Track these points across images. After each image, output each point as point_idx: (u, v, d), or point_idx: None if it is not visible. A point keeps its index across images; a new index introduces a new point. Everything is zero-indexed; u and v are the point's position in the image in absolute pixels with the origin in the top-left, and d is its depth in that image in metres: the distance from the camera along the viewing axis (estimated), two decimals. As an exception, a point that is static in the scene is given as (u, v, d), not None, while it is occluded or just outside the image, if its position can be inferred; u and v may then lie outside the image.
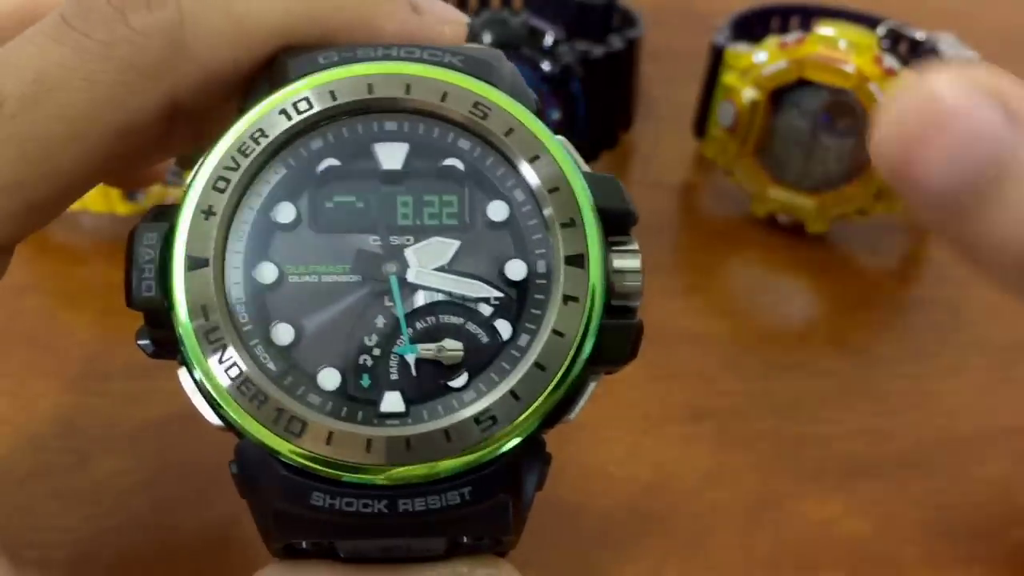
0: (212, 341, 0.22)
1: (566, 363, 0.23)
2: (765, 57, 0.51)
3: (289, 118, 0.23)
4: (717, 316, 0.48)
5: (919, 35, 0.56)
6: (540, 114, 0.24)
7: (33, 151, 0.22)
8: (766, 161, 0.52)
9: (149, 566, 0.34)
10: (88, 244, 0.48)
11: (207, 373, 0.22)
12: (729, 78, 0.52)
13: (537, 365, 0.23)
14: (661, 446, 0.40)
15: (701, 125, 0.56)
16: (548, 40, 0.52)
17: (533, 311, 0.23)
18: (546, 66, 0.50)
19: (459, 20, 0.26)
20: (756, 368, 0.45)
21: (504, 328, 0.23)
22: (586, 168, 0.24)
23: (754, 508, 0.38)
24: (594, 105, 0.52)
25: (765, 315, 0.49)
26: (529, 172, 0.24)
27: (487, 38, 0.50)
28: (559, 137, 0.24)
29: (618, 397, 0.42)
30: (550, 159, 0.24)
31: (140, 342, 0.23)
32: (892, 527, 0.38)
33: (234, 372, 0.22)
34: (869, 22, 0.55)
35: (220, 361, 0.22)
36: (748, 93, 0.51)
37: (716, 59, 0.54)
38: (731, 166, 0.53)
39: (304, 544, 0.24)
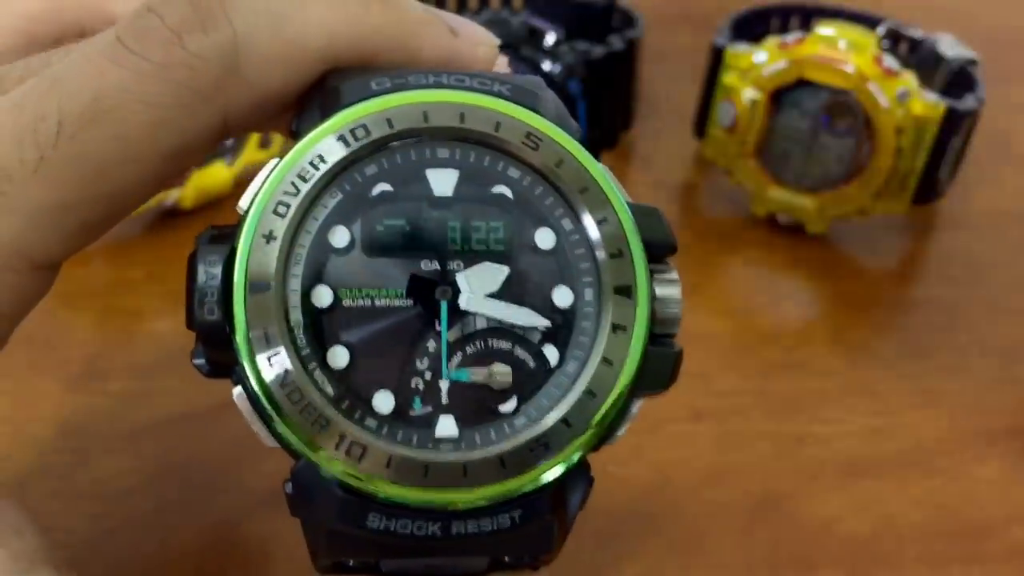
0: (272, 364, 0.22)
1: (615, 391, 0.23)
2: (765, 57, 0.51)
3: (347, 144, 0.23)
4: (717, 316, 0.48)
5: (919, 35, 0.56)
6: (584, 143, 0.25)
7: (90, 171, 0.23)
8: (766, 161, 0.52)
9: (149, 566, 0.34)
10: (88, 244, 0.48)
11: (264, 389, 0.22)
12: (729, 78, 0.52)
13: (588, 392, 0.23)
14: (661, 446, 0.40)
15: (701, 125, 0.56)
16: (548, 40, 0.52)
17: (581, 338, 0.24)
18: (546, 66, 0.50)
19: (492, 43, 0.27)
20: (756, 368, 0.45)
21: (552, 354, 0.24)
22: (629, 198, 0.25)
23: (754, 508, 0.38)
24: (594, 105, 0.52)
25: (765, 315, 0.49)
26: (579, 203, 0.24)
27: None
28: (602, 166, 0.25)
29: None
30: (598, 190, 0.24)
31: (196, 362, 0.23)
32: (892, 527, 0.38)
33: (296, 397, 0.22)
34: (869, 22, 0.55)
35: (282, 385, 0.22)
36: (748, 93, 0.51)
37: (716, 59, 0.54)
38: (731, 166, 0.53)
39: (351, 562, 0.24)
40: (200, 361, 0.23)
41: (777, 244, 0.53)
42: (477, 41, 0.26)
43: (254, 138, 0.50)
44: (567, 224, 0.24)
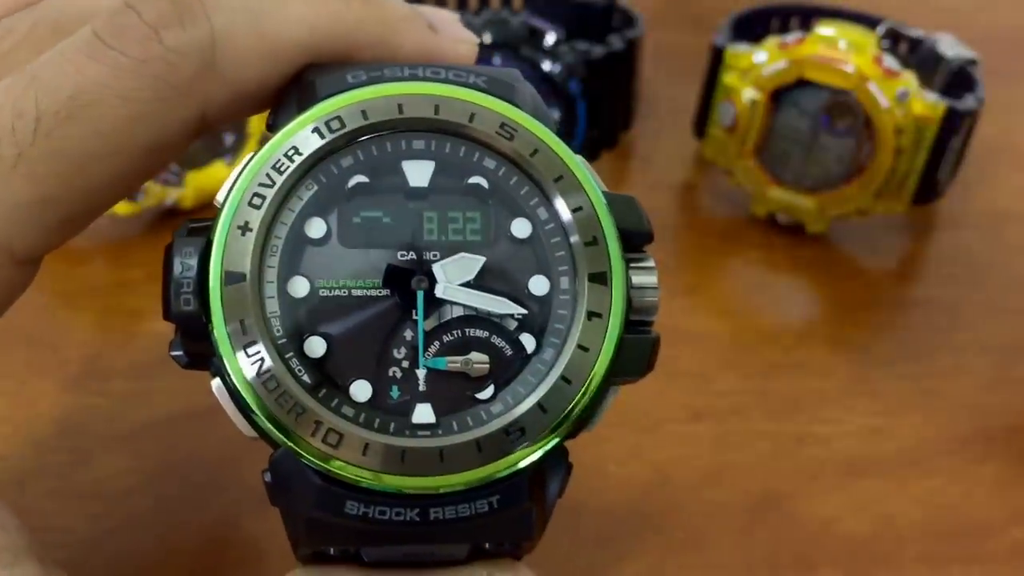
0: (249, 354, 0.22)
1: (590, 377, 0.23)
2: (765, 57, 0.51)
3: (322, 136, 0.23)
4: (717, 316, 0.48)
5: (918, 35, 0.56)
6: (560, 134, 0.25)
7: (68, 167, 0.23)
8: (766, 161, 0.52)
9: (149, 566, 0.34)
10: (88, 244, 0.48)
11: (240, 379, 0.22)
12: (729, 78, 0.52)
13: (563, 379, 0.23)
14: (661, 446, 0.40)
15: (701, 125, 0.56)
16: (548, 40, 0.52)
17: (557, 326, 0.24)
18: (546, 66, 0.50)
19: (472, 40, 0.27)
20: (756, 368, 0.45)
21: (528, 342, 0.24)
22: (604, 187, 0.25)
23: (754, 508, 0.38)
24: (594, 105, 0.52)
25: (765, 315, 0.49)
26: (553, 192, 0.24)
27: (487, 38, 0.50)
28: (579, 157, 0.25)
29: (618, 397, 0.42)
30: (573, 180, 0.24)
31: (174, 353, 0.23)
32: (892, 527, 0.38)
33: (272, 384, 0.22)
34: (869, 22, 0.55)
35: (259, 374, 0.22)
36: (748, 93, 0.51)
37: (716, 59, 0.54)
38: (731, 166, 0.53)
39: (332, 550, 0.24)
40: (178, 353, 0.23)
41: (777, 244, 0.53)
42: (457, 38, 0.27)
43: (254, 138, 0.50)
44: (543, 213, 0.24)
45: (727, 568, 0.36)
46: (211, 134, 0.27)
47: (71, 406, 0.39)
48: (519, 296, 0.24)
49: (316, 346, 0.23)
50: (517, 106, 0.25)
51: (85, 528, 0.34)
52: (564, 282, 0.24)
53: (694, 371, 0.44)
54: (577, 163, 0.25)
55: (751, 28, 0.57)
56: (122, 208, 0.47)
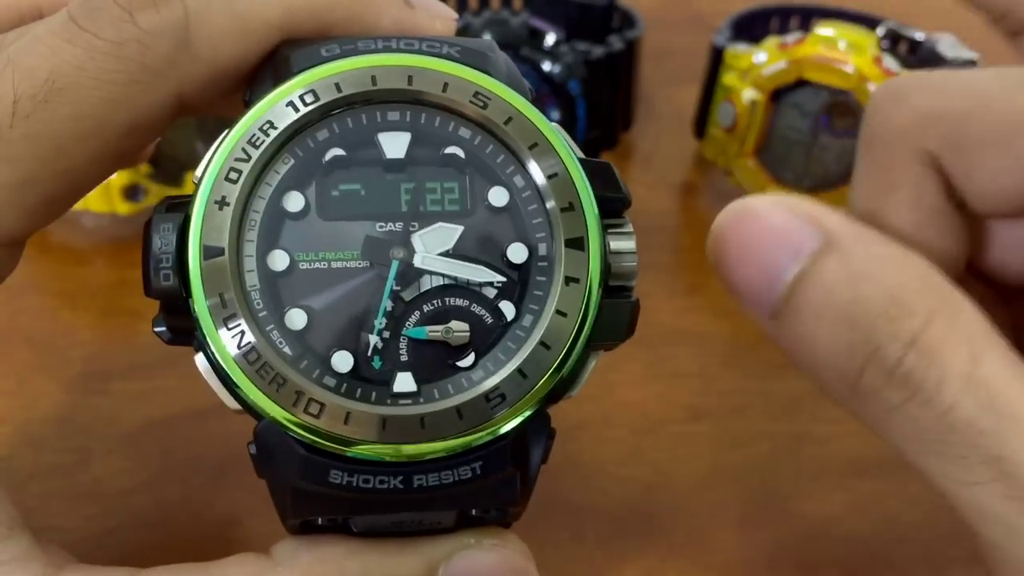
0: (230, 327, 0.23)
1: (569, 341, 0.24)
2: (765, 57, 0.51)
3: (296, 110, 0.24)
4: (717, 316, 0.48)
5: (919, 35, 0.56)
6: (536, 103, 0.25)
7: (47, 149, 0.23)
8: (766, 161, 0.52)
9: (148, 565, 0.34)
10: (88, 244, 0.48)
11: (223, 352, 0.23)
12: (729, 78, 0.52)
13: (542, 344, 0.23)
14: (661, 446, 0.40)
15: (701, 125, 0.56)
16: (548, 40, 0.52)
17: (536, 292, 0.24)
18: (546, 66, 0.50)
19: (449, 16, 0.27)
20: (756, 368, 0.45)
21: (508, 309, 0.24)
22: (581, 155, 0.25)
23: (754, 508, 0.38)
24: (594, 105, 0.52)
25: (765, 315, 0.49)
26: (528, 159, 0.24)
27: (487, 38, 0.50)
28: (555, 124, 0.25)
29: (618, 397, 0.42)
30: (548, 146, 0.24)
31: (157, 329, 0.24)
32: (892, 527, 0.38)
33: (253, 356, 0.23)
34: (869, 22, 0.55)
35: (239, 347, 0.23)
36: (748, 93, 0.51)
37: (716, 59, 0.54)
38: (731, 166, 0.53)
39: (320, 520, 0.25)
40: (161, 328, 0.24)
41: (777, 244, 0.53)
42: (434, 14, 0.27)
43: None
44: (519, 181, 0.25)
45: (727, 568, 0.36)
46: (190, 115, 0.27)
47: (71, 406, 0.39)
48: (498, 264, 0.24)
49: (297, 318, 0.23)
50: (491, 75, 0.25)
51: (85, 528, 0.34)
52: (542, 248, 0.24)
53: (694, 371, 0.44)
54: (552, 129, 0.25)
55: (751, 28, 0.58)
56: (123, 208, 0.47)
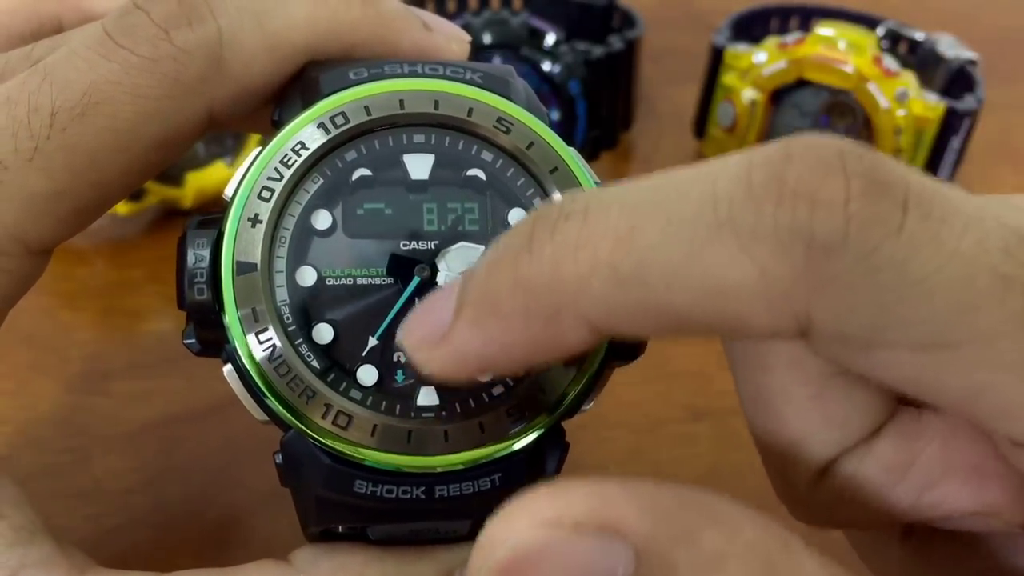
0: (261, 340, 0.23)
1: (589, 359, 0.24)
2: (765, 57, 0.51)
3: (327, 131, 0.24)
4: (717, 316, 0.48)
5: (919, 35, 0.56)
6: (552, 127, 0.26)
7: (81, 161, 0.24)
8: (766, 161, 0.52)
9: (148, 566, 0.34)
10: (88, 244, 0.48)
11: (253, 363, 0.23)
12: (729, 78, 0.52)
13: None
14: (661, 446, 0.40)
15: (701, 125, 0.56)
16: (548, 40, 0.52)
17: None
18: (546, 66, 0.50)
19: (464, 38, 0.28)
20: (756, 368, 0.45)
21: None
22: (597, 179, 0.26)
23: (754, 508, 0.38)
24: (594, 105, 0.52)
25: (765, 315, 0.49)
26: (549, 183, 0.25)
27: (487, 38, 0.50)
28: (571, 149, 0.26)
29: (618, 397, 0.42)
30: (567, 171, 0.25)
31: (187, 341, 0.24)
32: (892, 527, 0.38)
33: (284, 369, 0.23)
34: (869, 22, 0.55)
35: (271, 359, 0.23)
36: (748, 93, 0.51)
37: (716, 59, 0.54)
38: (731, 166, 0.53)
39: (340, 529, 0.25)
40: (191, 340, 0.24)
41: (777, 244, 0.53)
42: (450, 36, 0.28)
43: (254, 139, 0.50)
44: (538, 204, 0.25)
45: (727, 568, 0.36)
46: (216, 132, 0.27)
47: (71, 406, 0.39)
48: None
49: (324, 333, 0.24)
50: (512, 101, 0.26)
51: (85, 528, 0.34)
52: None
53: (694, 371, 0.44)
54: (571, 155, 0.25)
55: (751, 28, 0.58)
56: (123, 208, 0.47)
